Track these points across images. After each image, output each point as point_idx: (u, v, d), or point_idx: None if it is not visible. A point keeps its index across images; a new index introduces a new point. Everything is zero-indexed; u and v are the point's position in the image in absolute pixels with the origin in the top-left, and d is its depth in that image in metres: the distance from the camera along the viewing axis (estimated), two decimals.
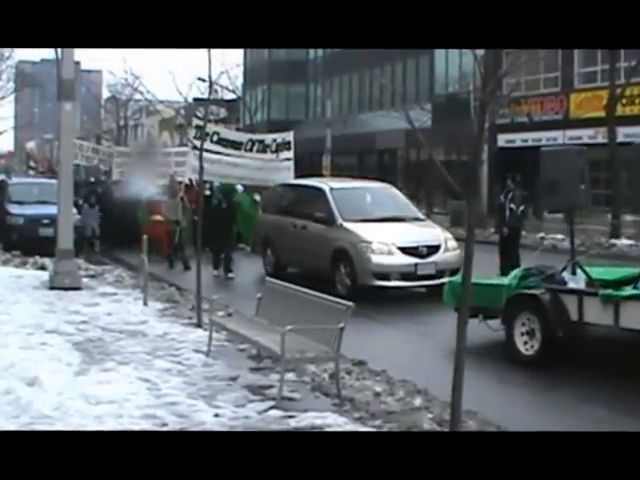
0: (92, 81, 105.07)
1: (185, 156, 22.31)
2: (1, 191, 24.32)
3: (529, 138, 34.09)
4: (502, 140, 35.33)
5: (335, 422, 7.24)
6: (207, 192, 21.79)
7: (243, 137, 19.74)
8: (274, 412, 7.61)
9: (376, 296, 14.00)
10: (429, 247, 14.64)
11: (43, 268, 17.31)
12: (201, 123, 18.64)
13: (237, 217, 19.73)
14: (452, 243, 14.97)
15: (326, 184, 16.95)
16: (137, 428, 7.02)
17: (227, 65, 44.02)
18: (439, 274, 14.27)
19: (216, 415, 7.47)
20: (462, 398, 6.19)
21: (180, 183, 21.93)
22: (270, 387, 8.49)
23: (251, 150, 18.92)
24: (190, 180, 21.97)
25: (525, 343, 9.98)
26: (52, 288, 14.55)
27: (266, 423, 7.28)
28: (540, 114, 33.60)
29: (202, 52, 12.43)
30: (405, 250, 14.42)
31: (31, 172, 41.86)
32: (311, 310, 8.97)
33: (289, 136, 19.57)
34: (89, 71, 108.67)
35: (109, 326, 11.56)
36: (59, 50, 15.00)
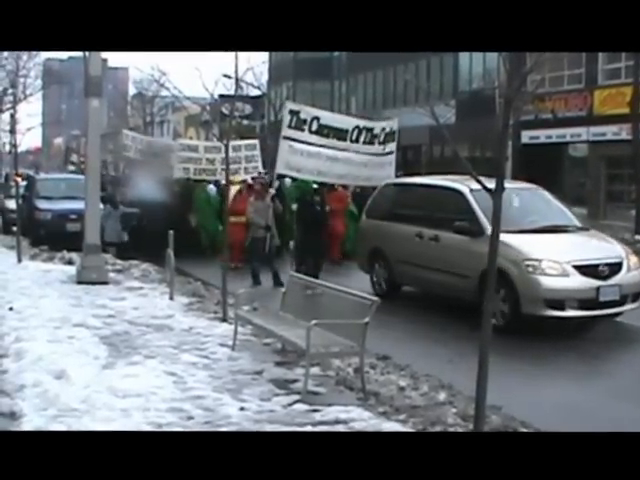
0: (119, 78, 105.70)
1: (255, 149, 20.46)
2: (29, 187, 24.57)
3: (553, 135, 34.03)
4: (526, 137, 35.20)
5: (359, 416, 7.28)
6: (273, 191, 19.48)
7: (349, 123, 16.50)
8: (299, 406, 7.67)
9: (545, 329, 11.46)
10: (610, 266, 11.61)
11: (70, 263, 17.48)
12: (296, 107, 16.65)
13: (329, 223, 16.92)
14: (634, 259, 12.17)
15: (463, 184, 12.89)
16: (163, 421, 7.10)
17: (253, 62, 44.01)
18: (622, 300, 11.61)
19: (242, 409, 7.52)
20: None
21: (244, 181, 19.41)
22: (295, 381, 8.55)
23: (357, 141, 15.99)
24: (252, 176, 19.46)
25: None
26: (79, 282, 14.71)
27: (291, 417, 7.34)
28: (564, 111, 33.41)
29: None
30: (583, 270, 11.38)
31: (71, 167, 39.65)
32: (336, 305, 9.01)
33: (395, 124, 16.88)
34: (116, 68, 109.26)
35: (136, 320, 11.67)
36: None
